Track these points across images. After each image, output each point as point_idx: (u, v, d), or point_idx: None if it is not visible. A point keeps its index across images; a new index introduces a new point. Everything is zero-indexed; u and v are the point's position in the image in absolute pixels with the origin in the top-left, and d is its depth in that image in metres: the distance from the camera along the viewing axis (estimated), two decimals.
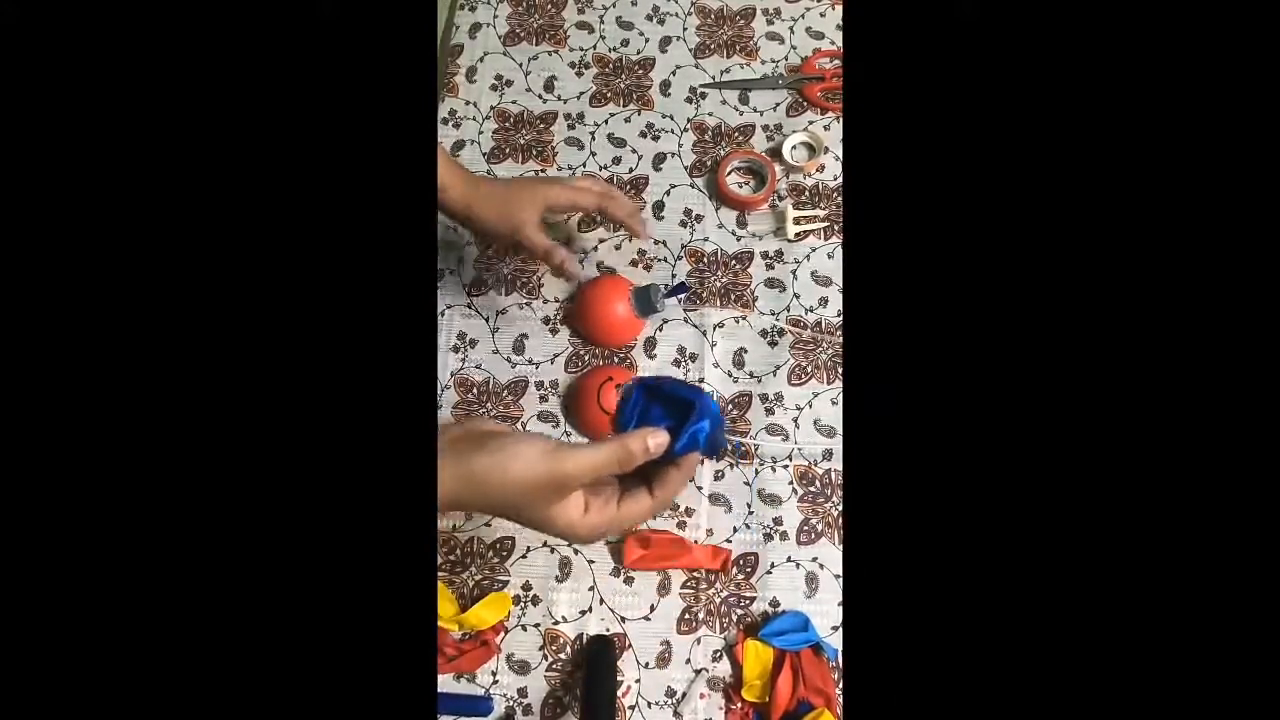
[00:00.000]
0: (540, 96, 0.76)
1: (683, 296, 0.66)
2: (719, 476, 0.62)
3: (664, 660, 0.58)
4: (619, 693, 0.56)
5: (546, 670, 0.58)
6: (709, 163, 0.73)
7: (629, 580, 0.60)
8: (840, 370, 0.65)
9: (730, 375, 0.65)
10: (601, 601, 0.59)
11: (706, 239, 0.70)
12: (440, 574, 0.60)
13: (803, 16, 0.79)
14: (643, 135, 0.74)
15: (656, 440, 0.44)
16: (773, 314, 0.67)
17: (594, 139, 0.74)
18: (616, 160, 0.73)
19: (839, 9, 0.80)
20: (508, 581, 0.60)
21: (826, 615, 0.58)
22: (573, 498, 0.44)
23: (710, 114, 0.75)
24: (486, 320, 0.68)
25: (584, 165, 0.73)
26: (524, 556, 0.60)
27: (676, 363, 0.65)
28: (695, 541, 0.60)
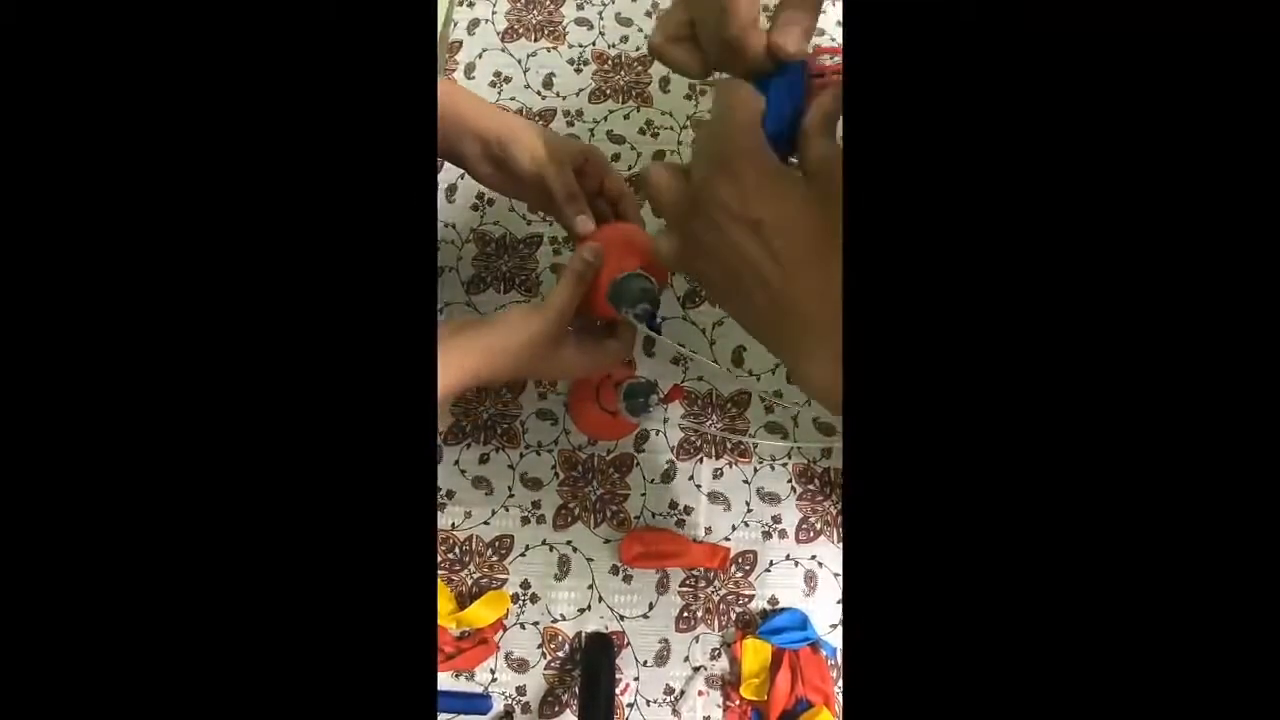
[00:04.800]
0: (539, 93, 0.76)
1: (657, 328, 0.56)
2: (718, 475, 0.62)
3: (662, 658, 0.58)
4: (617, 690, 0.56)
5: (545, 668, 0.58)
6: None
7: (627, 578, 0.60)
8: None
9: (729, 373, 0.65)
10: (600, 599, 0.59)
11: None
12: (439, 572, 0.60)
13: None
14: (642, 132, 0.74)
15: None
16: None
17: (593, 136, 0.74)
18: (616, 157, 0.73)
19: (839, 5, 0.79)
20: (506, 579, 0.60)
21: (825, 613, 0.58)
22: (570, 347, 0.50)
23: (710, 110, 0.75)
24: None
25: None
26: (523, 554, 0.60)
27: (676, 360, 0.65)
28: (694, 539, 0.60)
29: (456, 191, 0.72)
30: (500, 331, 0.49)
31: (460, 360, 0.48)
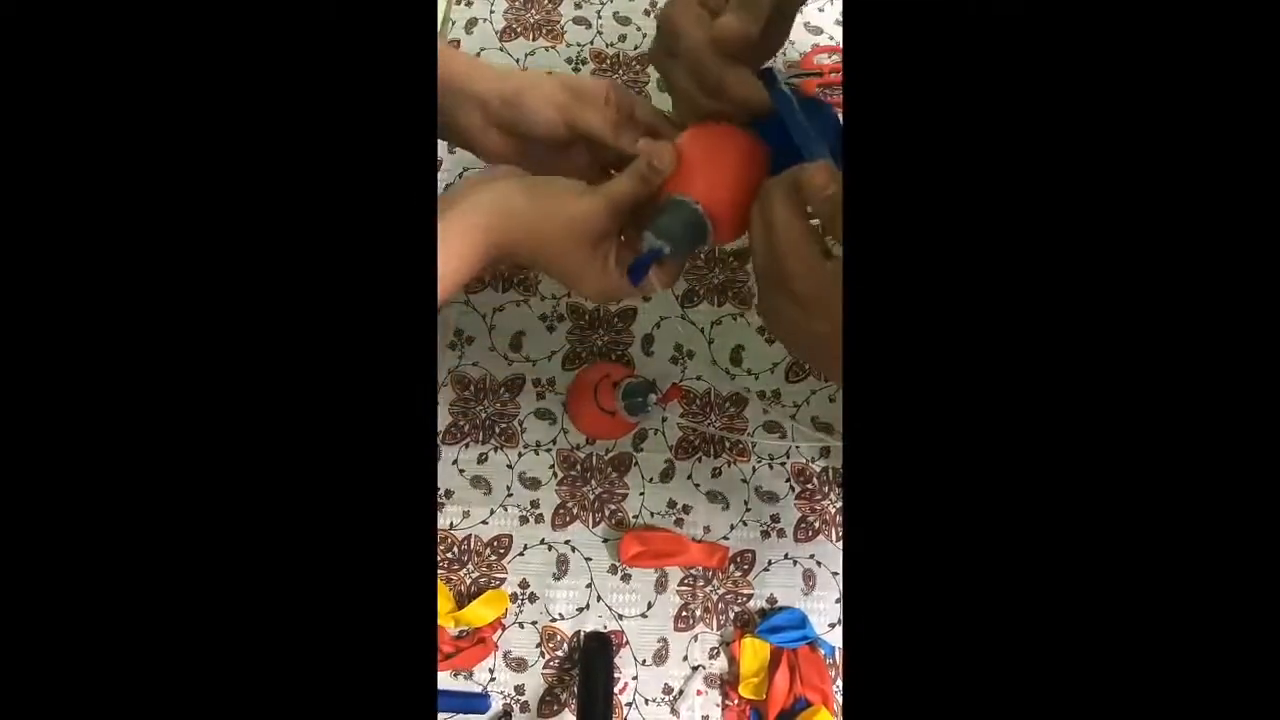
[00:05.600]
0: None
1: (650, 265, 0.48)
2: (716, 474, 0.62)
3: (661, 657, 0.58)
4: (616, 690, 0.56)
5: (544, 667, 0.58)
6: None
7: (626, 577, 0.60)
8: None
9: (728, 372, 0.65)
10: (599, 599, 0.59)
11: None
12: (437, 571, 0.60)
13: (801, 12, 0.79)
14: None
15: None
16: None
17: None
18: None
19: (838, 3, 0.79)
20: (505, 579, 0.60)
21: (823, 612, 0.58)
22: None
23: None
24: (484, 317, 0.68)
25: None
26: (521, 554, 0.60)
27: (674, 359, 0.65)
28: (692, 539, 0.60)
29: None
30: (533, 192, 0.43)
31: (474, 217, 0.41)
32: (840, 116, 0.46)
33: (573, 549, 0.60)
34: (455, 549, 0.61)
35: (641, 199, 0.44)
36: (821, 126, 0.43)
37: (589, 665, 0.55)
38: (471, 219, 0.42)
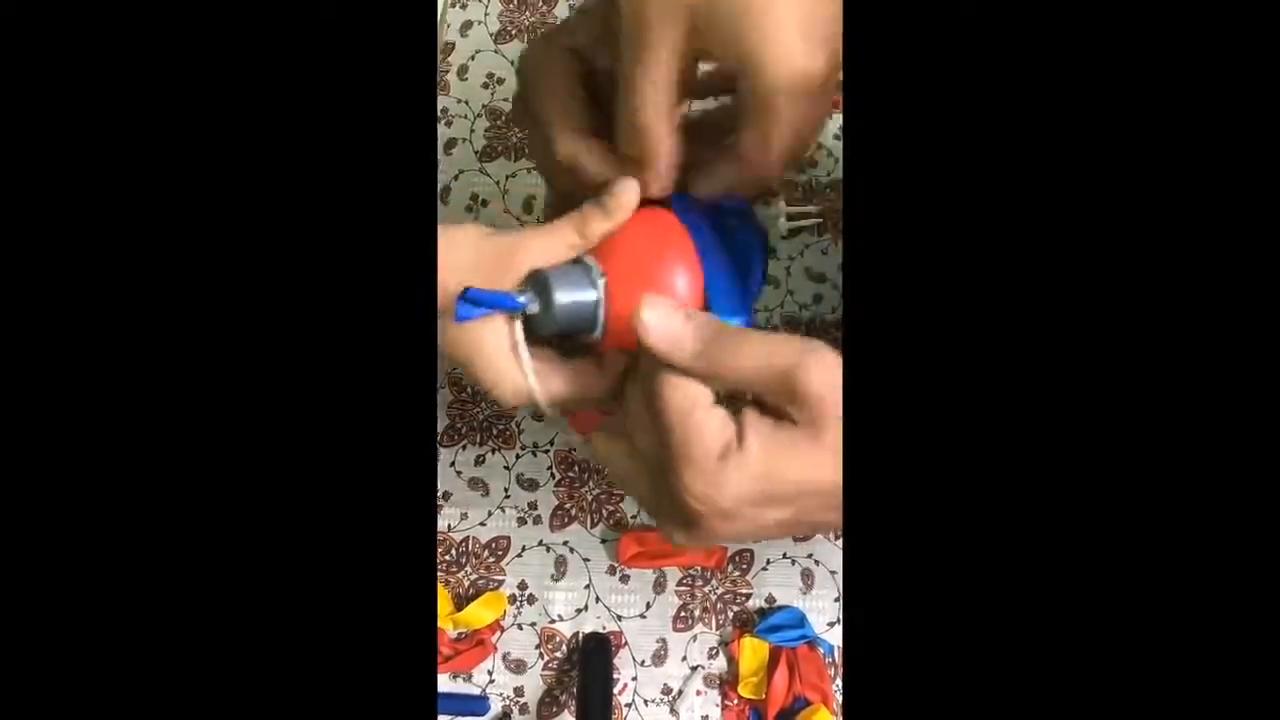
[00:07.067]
0: None
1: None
2: None
3: (660, 658, 0.58)
4: (615, 690, 0.56)
5: (543, 669, 0.58)
6: None
7: (625, 578, 0.60)
8: None
9: None
10: (597, 599, 0.59)
11: None
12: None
13: None
14: None
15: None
16: (766, 310, 0.67)
17: None
18: None
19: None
20: (503, 580, 0.60)
21: (822, 611, 0.58)
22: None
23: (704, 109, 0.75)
24: None
25: None
26: (519, 555, 0.60)
27: None
28: None
29: (450, 194, 0.72)
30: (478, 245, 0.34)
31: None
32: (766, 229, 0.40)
33: (571, 550, 0.60)
34: (453, 551, 0.61)
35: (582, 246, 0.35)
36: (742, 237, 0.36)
37: (588, 666, 0.55)
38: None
